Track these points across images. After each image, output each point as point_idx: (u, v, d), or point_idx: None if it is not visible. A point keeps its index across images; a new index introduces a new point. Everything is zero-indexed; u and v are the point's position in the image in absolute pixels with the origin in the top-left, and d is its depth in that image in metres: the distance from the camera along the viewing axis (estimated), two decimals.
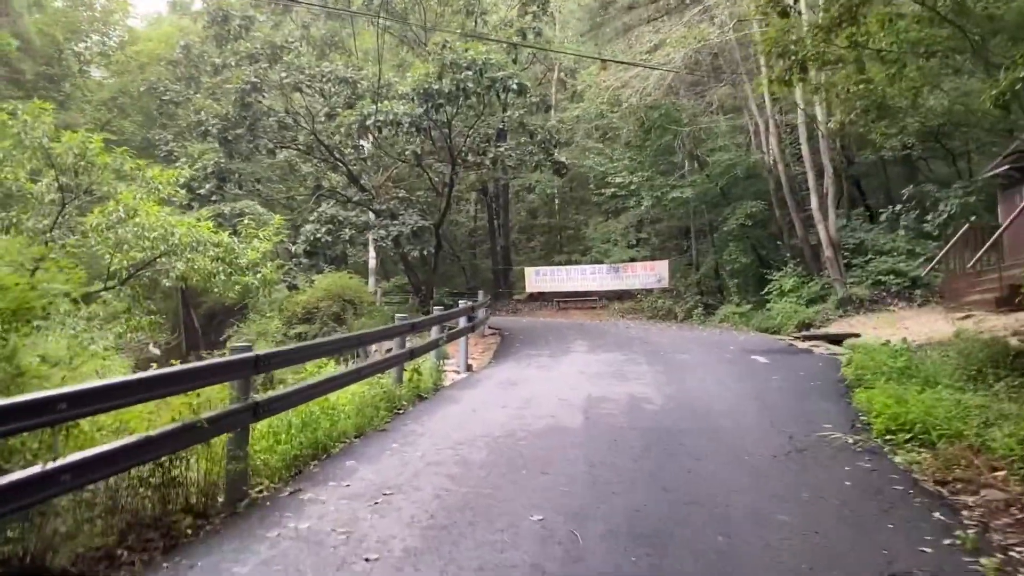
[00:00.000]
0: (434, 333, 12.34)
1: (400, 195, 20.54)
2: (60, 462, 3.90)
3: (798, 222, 23.34)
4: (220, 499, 5.81)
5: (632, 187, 25.84)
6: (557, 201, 38.28)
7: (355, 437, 7.74)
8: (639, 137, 25.98)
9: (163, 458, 5.20)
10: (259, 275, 12.32)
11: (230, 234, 12.29)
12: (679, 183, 25.78)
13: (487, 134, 20.46)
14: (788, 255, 23.25)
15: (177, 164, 19.67)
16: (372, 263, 30.72)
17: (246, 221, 12.70)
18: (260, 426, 6.64)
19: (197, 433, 5.23)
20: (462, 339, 13.85)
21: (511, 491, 5.60)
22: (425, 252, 18.57)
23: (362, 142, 21.42)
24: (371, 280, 29.95)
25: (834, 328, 19.11)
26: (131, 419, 5.35)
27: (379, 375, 9.56)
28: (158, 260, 12.78)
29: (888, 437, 6.94)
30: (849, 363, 10.59)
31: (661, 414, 8.37)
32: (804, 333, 17.76)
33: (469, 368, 14.07)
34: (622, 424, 7.84)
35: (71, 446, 5.02)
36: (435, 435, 7.62)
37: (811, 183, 21.61)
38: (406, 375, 10.42)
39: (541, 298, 34.47)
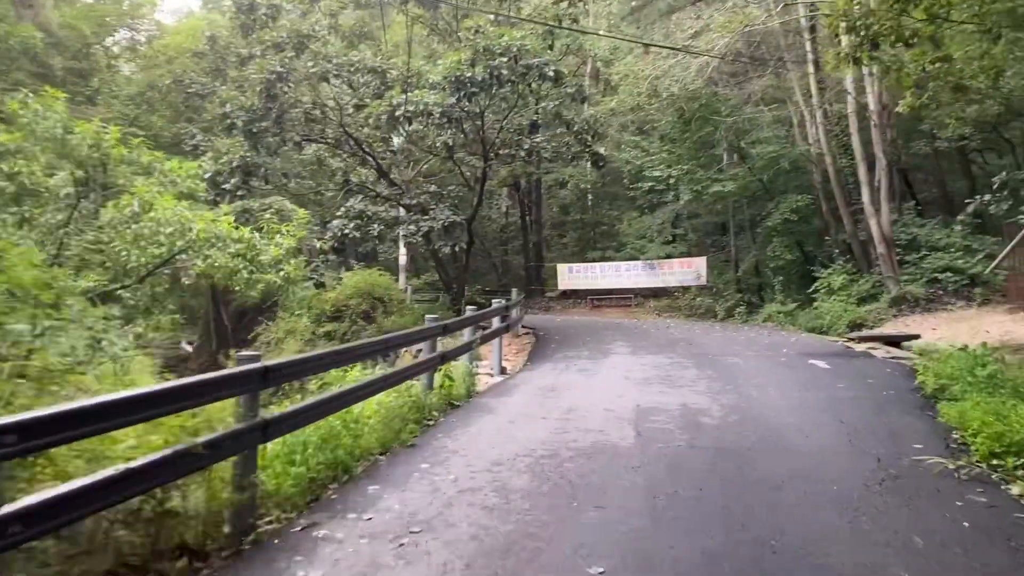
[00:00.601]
0: (467, 335, 11.54)
1: (431, 190, 19.73)
2: (6, 510, 3.12)
3: (846, 216, 22.20)
4: (225, 530, 5.06)
5: (671, 181, 24.80)
6: (590, 196, 37.33)
7: (380, 454, 6.96)
8: (678, 128, 24.92)
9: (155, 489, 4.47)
10: (282, 272, 11.60)
11: (252, 230, 11.59)
12: (720, 176, 24.69)
13: (521, 125, 19.59)
14: (836, 251, 22.08)
15: (204, 159, 19.11)
16: (403, 260, 30.04)
17: (267, 216, 11.98)
18: (274, 444, 5.89)
19: (193, 460, 4.46)
20: (496, 340, 13.05)
21: (561, 530, 4.75)
22: (456, 248, 17.77)
23: (393, 136, 20.69)
24: (402, 277, 29.26)
25: (889, 329, 18.01)
26: (118, 443, 4.60)
27: (408, 382, 8.78)
28: (177, 257, 12.14)
29: (995, 462, 5.98)
30: (925, 370, 9.56)
31: (723, 429, 7.46)
32: (858, 334, 16.67)
33: (504, 371, 13.26)
34: (680, 442, 6.94)
35: (47, 477, 4.31)
36: (469, 453, 6.80)
37: (862, 175, 20.47)
38: (437, 381, 9.62)
39: (574, 296, 33.59)
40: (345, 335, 23.82)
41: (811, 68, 22.02)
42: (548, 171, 35.24)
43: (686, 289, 29.40)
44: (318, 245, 13.00)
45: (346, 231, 16.44)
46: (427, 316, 9.70)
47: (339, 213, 17.21)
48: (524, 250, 37.27)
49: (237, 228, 11.57)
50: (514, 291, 20.83)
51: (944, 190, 24.60)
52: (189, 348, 39.01)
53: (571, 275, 32.33)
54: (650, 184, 26.69)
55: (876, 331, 17.47)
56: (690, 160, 24.98)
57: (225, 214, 11.88)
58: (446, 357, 9.66)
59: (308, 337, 24.53)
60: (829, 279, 20.95)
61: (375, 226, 16.70)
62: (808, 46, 21.92)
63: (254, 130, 16.79)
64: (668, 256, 31.18)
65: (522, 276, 36.63)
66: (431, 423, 8.35)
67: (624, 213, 36.51)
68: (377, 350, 7.51)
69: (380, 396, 7.92)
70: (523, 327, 20.30)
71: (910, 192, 25.96)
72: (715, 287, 28.76)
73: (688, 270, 29.99)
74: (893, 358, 12.51)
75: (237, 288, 12.27)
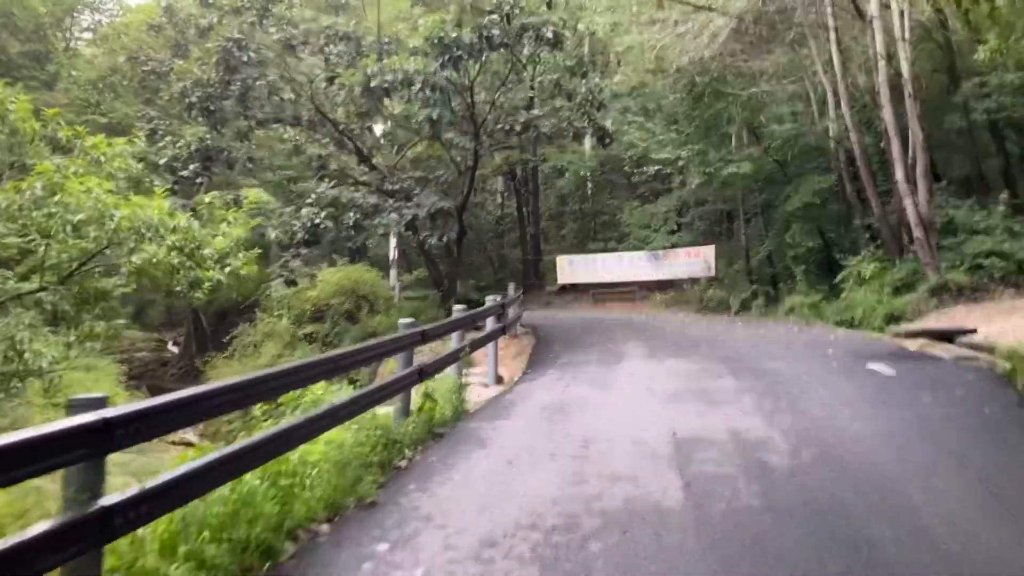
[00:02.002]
0: (455, 340, 9.50)
1: (416, 175, 17.65)
2: None
3: (874, 199, 20.15)
4: None
5: (680, 163, 22.73)
6: (590, 185, 35.33)
7: (325, 520, 4.93)
8: (688, 105, 22.83)
9: None
10: (228, 268, 9.54)
11: (189, 217, 9.52)
12: (734, 157, 22.63)
13: (515, 100, 17.51)
14: (867, 236, 20.05)
15: (162, 144, 17.05)
16: (393, 254, 28.01)
17: (207, 200, 9.91)
18: (157, 523, 3.86)
19: None
20: (490, 344, 11.04)
21: None
22: (445, 239, 15.72)
23: (376, 121, 18.62)
24: (392, 273, 27.24)
25: (931, 322, 15.98)
26: None
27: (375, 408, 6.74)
28: (105, 252, 10.08)
29: None
30: None
31: (801, 475, 5.41)
32: (904, 328, 14.65)
33: (499, 380, 11.24)
34: (750, 499, 4.90)
35: None
36: (449, 521, 4.75)
37: (895, 152, 18.38)
38: (414, 402, 7.61)
39: (575, 290, 31.71)
40: (327, 337, 21.77)
41: (832, 35, 19.99)
42: (545, 158, 33.29)
43: (695, 281, 27.52)
44: (272, 236, 10.89)
45: (317, 221, 14.34)
46: (401, 321, 7.63)
47: (309, 200, 15.12)
48: (521, 243, 35.36)
49: (172, 215, 9.48)
50: (511, 286, 18.82)
51: (978, 168, 22.57)
52: (176, 350, 37.11)
53: (571, 268, 30.42)
54: (656, 168, 24.65)
55: (922, 325, 15.48)
56: (701, 140, 22.93)
57: (161, 197, 9.76)
58: (425, 372, 7.62)
59: (288, 340, 22.54)
60: (858, 267, 18.92)
61: (350, 214, 14.59)
62: (829, 10, 19.86)
63: (211, 108, 14.72)
64: (674, 246, 29.27)
65: (519, 270, 34.73)
66: (403, 464, 6.32)
67: (625, 202, 34.60)
68: (317, 374, 5.43)
69: (333, 432, 5.88)
70: (521, 326, 18.31)
71: (933, 172, 23.99)
72: (725, 278, 26.86)
73: (696, 260, 28.13)
74: (966, 359, 10.49)
75: (178, 288, 10.20)
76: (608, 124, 17.39)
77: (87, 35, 28.65)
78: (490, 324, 11.40)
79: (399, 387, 7.03)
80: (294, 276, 15.89)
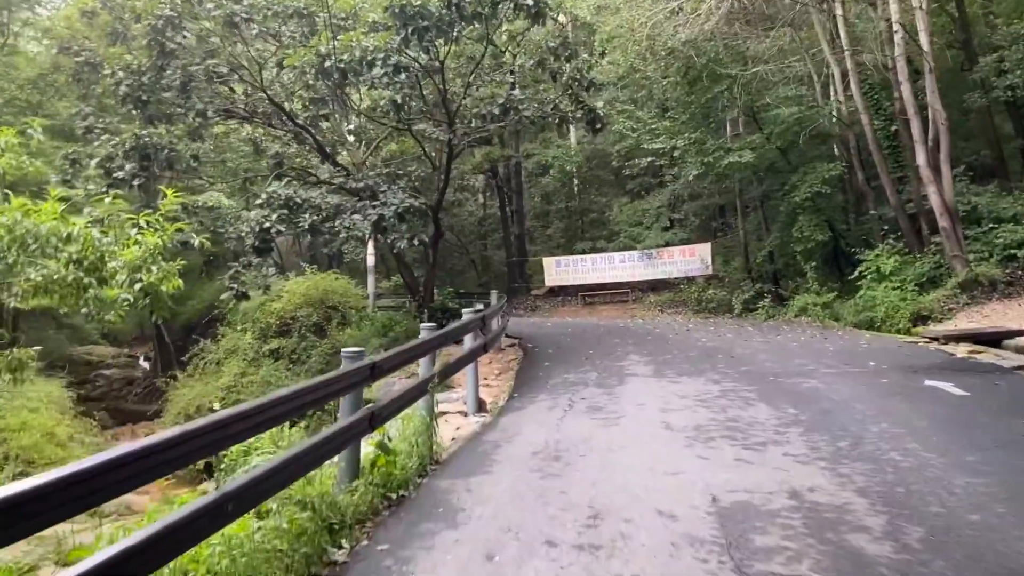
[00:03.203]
0: (423, 368, 7.67)
1: (385, 171, 15.80)
2: None
3: (889, 186, 18.50)
4: None
5: (675, 153, 20.97)
6: (577, 181, 33.62)
7: None
8: (683, 90, 21.07)
9: None
10: (139, 284, 7.67)
11: (88, 224, 7.63)
12: (735, 145, 20.90)
13: (493, 91, 15.68)
14: (885, 228, 18.37)
15: (97, 143, 15.12)
16: (370, 260, 26.21)
17: (107, 201, 8.01)
18: None
19: None
20: (470, 366, 9.23)
21: None
22: (417, 241, 13.87)
23: (335, 112, 16.77)
24: (370, 280, 25.43)
25: (967, 321, 14.38)
26: None
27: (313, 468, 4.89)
28: None
29: None
30: None
31: None
32: (942, 331, 12.96)
33: (481, 407, 9.46)
34: None
35: None
36: None
37: (916, 134, 16.72)
38: (365, 457, 5.80)
39: (563, 292, 30.08)
40: (294, 352, 19.95)
41: (839, 9, 18.35)
42: (528, 154, 31.58)
43: (691, 280, 25.92)
44: (195, 242, 9.03)
45: (267, 224, 12.45)
46: (344, 352, 5.77)
47: (258, 201, 13.23)
48: (505, 244, 33.63)
49: (67, 221, 7.59)
50: (493, 294, 17.05)
51: (997, 151, 20.99)
52: (147, 366, 35.19)
53: (559, 269, 28.74)
54: (648, 160, 22.92)
55: (956, 325, 13.86)
56: (697, 128, 21.21)
57: (56, 197, 7.85)
58: (379, 417, 5.78)
59: (252, 356, 20.76)
60: (876, 262, 17.24)
61: (305, 216, 12.70)
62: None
63: (145, 99, 12.83)
64: (667, 244, 27.64)
65: (504, 273, 33.02)
66: (340, 557, 4.49)
67: (615, 199, 33.00)
68: (195, 450, 3.48)
69: (236, 524, 4.03)
70: (506, 335, 16.55)
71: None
72: (725, 277, 25.25)
73: (691, 259, 26.60)
74: None
75: (84, 310, 8.31)
76: (600, 104, 15.52)
77: (28, 31, 26.52)
78: (468, 341, 9.57)
79: (339, 443, 5.18)
80: (245, 289, 13.96)
